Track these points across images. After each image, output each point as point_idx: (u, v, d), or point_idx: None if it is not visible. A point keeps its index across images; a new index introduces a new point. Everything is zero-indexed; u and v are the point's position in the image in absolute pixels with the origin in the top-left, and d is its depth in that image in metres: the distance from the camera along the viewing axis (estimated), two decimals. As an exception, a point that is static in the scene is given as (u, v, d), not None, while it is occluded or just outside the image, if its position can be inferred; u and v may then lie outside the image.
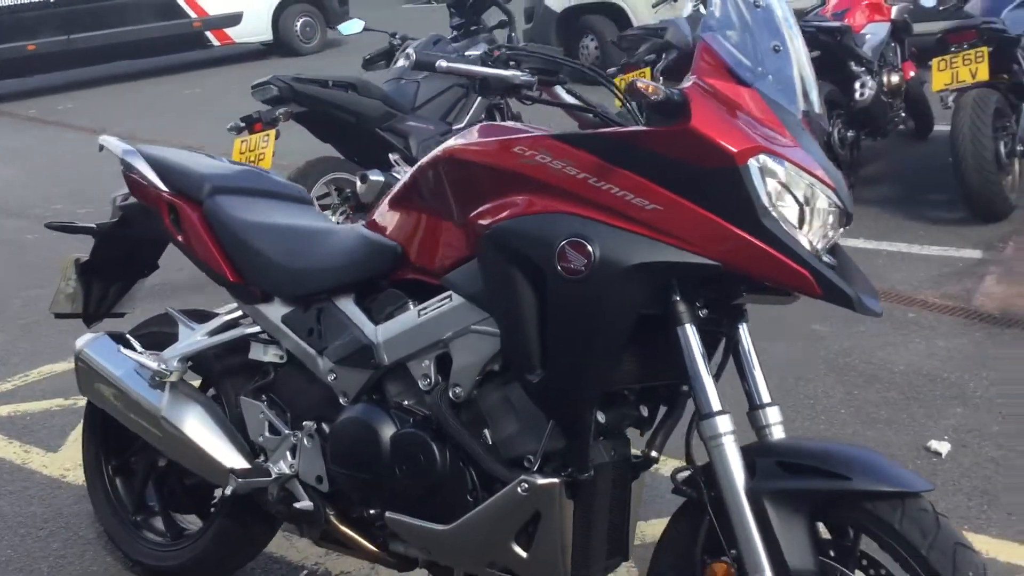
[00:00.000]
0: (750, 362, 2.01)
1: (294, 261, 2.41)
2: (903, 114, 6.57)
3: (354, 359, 2.27)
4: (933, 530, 1.77)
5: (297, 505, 2.38)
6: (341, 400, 2.31)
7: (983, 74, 5.27)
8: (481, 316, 2.08)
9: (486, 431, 2.12)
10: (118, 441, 2.91)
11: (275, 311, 2.44)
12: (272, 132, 4.78)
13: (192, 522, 2.84)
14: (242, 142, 4.83)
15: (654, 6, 7.51)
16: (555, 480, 2.02)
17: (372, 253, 2.29)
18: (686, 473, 2.02)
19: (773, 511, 1.84)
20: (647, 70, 6.10)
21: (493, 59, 2.13)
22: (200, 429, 2.50)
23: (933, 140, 6.89)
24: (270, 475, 2.40)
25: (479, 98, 5.61)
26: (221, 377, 2.59)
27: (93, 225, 2.87)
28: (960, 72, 5.29)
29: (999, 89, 5.40)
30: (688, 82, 1.92)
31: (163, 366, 2.54)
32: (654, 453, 2.13)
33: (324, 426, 2.34)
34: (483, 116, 5.67)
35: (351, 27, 5.87)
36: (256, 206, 2.57)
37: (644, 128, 1.92)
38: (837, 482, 1.81)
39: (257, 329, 2.50)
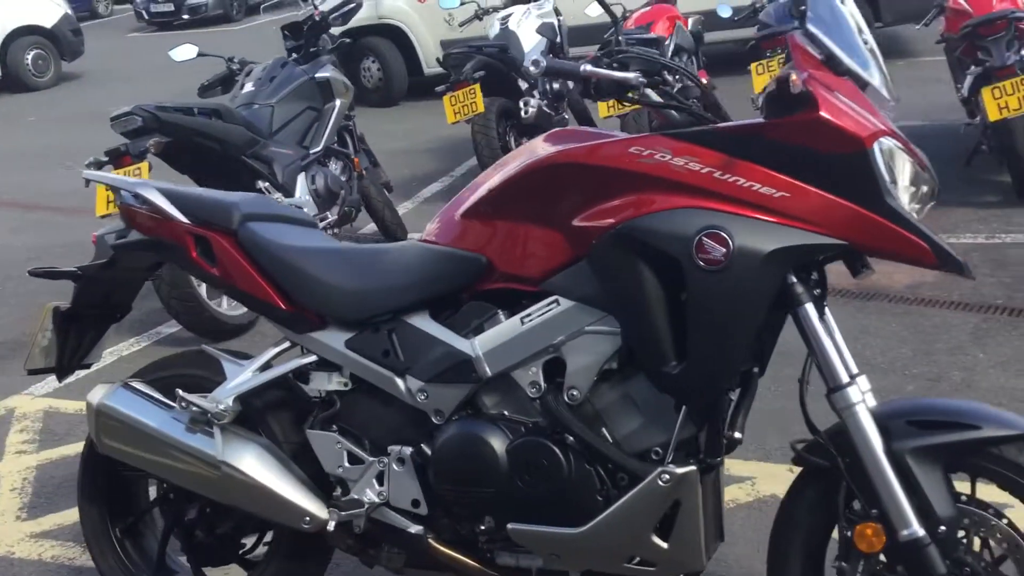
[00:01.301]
0: (821, 342, 2.08)
1: (357, 283, 2.33)
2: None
3: (450, 375, 2.23)
4: (1053, 464, 1.99)
5: (398, 526, 2.29)
6: (435, 419, 2.26)
7: (798, 76, 5.77)
8: (596, 316, 2.12)
9: (603, 430, 2.16)
10: (126, 501, 2.69)
11: (335, 337, 2.35)
12: (144, 165, 4.49)
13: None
14: (107, 178, 4.50)
15: (461, 24, 7.66)
16: (693, 467, 2.08)
17: (452, 267, 2.26)
18: (803, 444, 2.14)
19: (915, 467, 2.00)
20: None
21: (607, 62, 2.17)
22: (266, 470, 2.36)
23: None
24: (362, 506, 2.30)
25: (331, 122, 5.55)
26: (265, 415, 2.45)
27: (76, 269, 2.63)
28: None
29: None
30: (793, 75, 2.04)
31: (219, 408, 2.37)
32: (737, 435, 2.23)
33: (423, 447, 2.27)
34: (335, 140, 5.61)
35: (184, 53, 5.59)
36: (289, 232, 2.47)
37: (770, 120, 2.02)
38: (970, 432, 2.00)
39: (313, 359, 2.39)
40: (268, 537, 2.60)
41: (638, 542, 2.12)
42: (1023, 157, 5.30)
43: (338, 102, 5.61)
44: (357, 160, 5.72)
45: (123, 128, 4.54)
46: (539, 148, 2.25)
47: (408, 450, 2.30)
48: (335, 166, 5.59)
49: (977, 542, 2.05)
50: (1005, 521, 2.05)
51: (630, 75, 2.15)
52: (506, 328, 2.20)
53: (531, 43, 7.15)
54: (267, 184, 4.95)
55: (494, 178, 2.26)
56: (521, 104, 6.82)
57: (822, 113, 1.96)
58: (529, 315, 2.17)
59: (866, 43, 2.10)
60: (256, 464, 2.36)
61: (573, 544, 2.16)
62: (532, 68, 2.16)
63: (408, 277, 2.30)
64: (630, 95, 2.20)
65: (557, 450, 2.15)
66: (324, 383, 2.39)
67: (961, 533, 2.03)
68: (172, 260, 2.50)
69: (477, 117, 6.46)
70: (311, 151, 5.36)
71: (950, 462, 2.03)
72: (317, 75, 5.49)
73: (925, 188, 2.06)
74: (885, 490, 2.01)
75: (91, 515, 2.69)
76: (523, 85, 6.80)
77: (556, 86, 7.22)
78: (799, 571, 2.16)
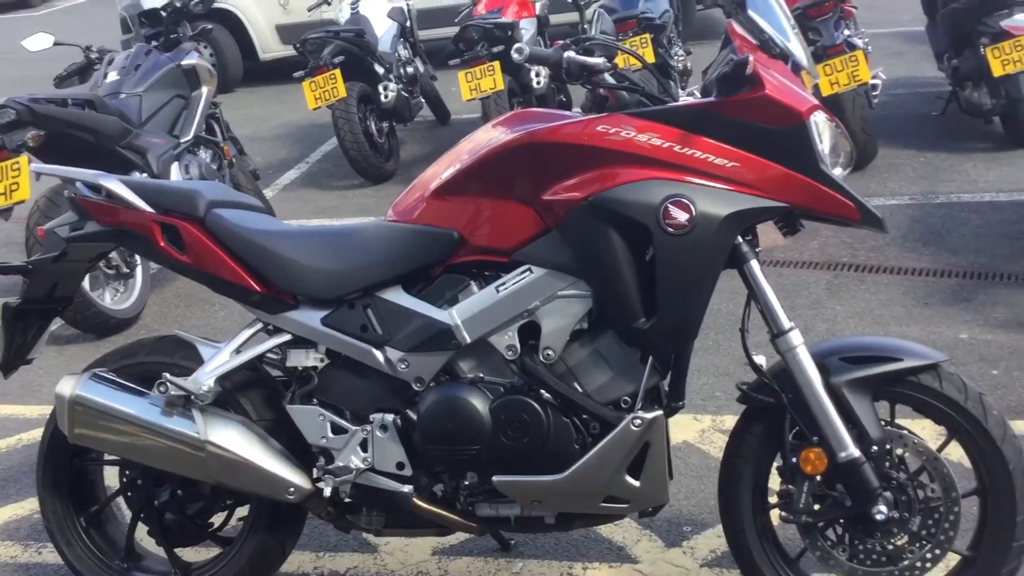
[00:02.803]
0: (765, 293, 2.37)
1: (330, 263, 2.44)
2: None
3: (430, 344, 2.39)
4: (962, 387, 2.34)
5: (384, 489, 2.43)
6: (415, 386, 2.41)
7: (649, 56, 6.12)
8: (567, 282, 2.32)
9: (575, 384, 2.37)
10: (87, 491, 2.71)
11: (310, 316, 2.46)
12: (23, 159, 4.37)
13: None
14: (-18, 173, 4.36)
15: (309, 9, 7.67)
16: (660, 412, 2.33)
17: (425, 243, 2.41)
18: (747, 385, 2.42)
19: (850, 397, 2.31)
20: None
21: (576, 49, 2.35)
22: (249, 446, 2.45)
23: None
24: (350, 472, 2.43)
25: (199, 110, 5.51)
26: (242, 394, 2.53)
27: (26, 263, 2.62)
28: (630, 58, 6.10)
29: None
30: (730, 61, 2.30)
31: (203, 389, 2.44)
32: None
33: (407, 412, 2.42)
34: (204, 128, 5.58)
35: (39, 42, 5.42)
36: (252, 217, 2.55)
37: (720, 99, 2.27)
38: (894, 364, 2.32)
39: (287, 338, 2.49)
40: (239, 513, 2.68)
41: (613, 482, 2.35)
42: (855, 132, 5.81)
43: (204, 89, 5.58)
44: (227, 147, 5.70)
45: (-6, 121, 4.41)
46: (502, 129, 2.43)
47: (390, 417, 2.44)
48: (205, 154, 5.56)
49: (897, 459, 2.38)
50: (917, 439, 2.39)
51: (599, 60, 2.37)
52: (482, 297, 2.37)
53: (383, 27, 7.26)
54: (144, 175, 4.89)
55: (461, 159, 2.42)
56: (381, 88, 6.99)
57: (767, 92, 2.22)
58: (504, 284, 2.36)
59: (793, 27, 2.39)
60: (240, 441, 2.45)
61: (554, 490, 2.37)
62: (516, 55, 2.33)
63: (380, 255, 2.44)
64: (595, 79, 2.41)
65: (536, 405, 2.35)
66: (301, 360, 2.49)
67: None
68: (135, 249, 2.55)
69: (338, 102, 6.51)
70: (181, 140, 5.32)
71: (876, 391, 2.35)
72: (183, 62, 5.44)
73: (845, 154, 2.37)
74: (825, 419, 2.30)
75: (54, 507, 2.69)
76: (379, 70, 6.90)
77: (410, 70, 7.36)
78: (748, 496, 2.44)
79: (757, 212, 2.26)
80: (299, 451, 2.52)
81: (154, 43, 5.59)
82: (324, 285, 2.45)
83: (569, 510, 2.44)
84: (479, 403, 2.37)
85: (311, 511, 2.56)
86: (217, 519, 2.71)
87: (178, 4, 5.61)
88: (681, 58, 7.00)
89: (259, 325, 2.53)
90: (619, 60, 2.66)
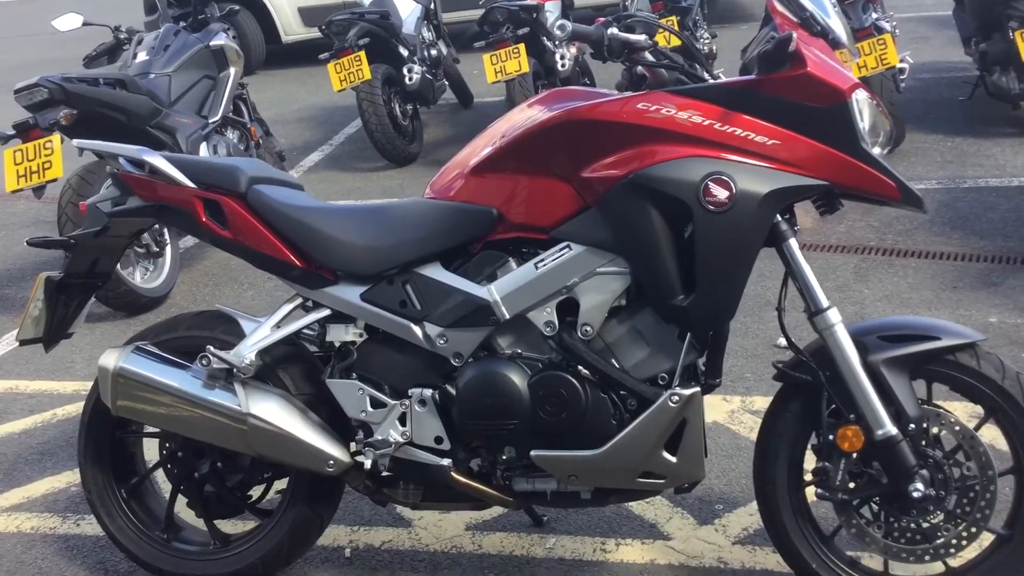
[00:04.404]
0: (804, 272, 2.36)
1: (371, 239, 2.47)
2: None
3: (469, 320, 2.40)
4: (1000, 367, 2.35)
5: (422, 462, 2.45)
6: (454, 362, 2.44)
7: (675, 39, 6.10)
8: (606, 259, 2.34)
9: (612, 360, 2.39)
10: (129, 463, 2.75)
11: (349, 291, 2.49)
12: (56, 137, 4.41)
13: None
14: (16, 152, 4.39)
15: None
16: (698, 388, 2.34)
17: (464, 220, 2.43)
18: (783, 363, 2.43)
19: (888, 375, 2.31)
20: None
21: (618, 26, 2.36)
22: (291, 419, 2.48)
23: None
24: (389, 446, 2.46)
25: (227, 90, 5.54)
26: (281, 368, 2.56)
27: (69, 238, 2.66)
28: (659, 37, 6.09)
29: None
30: (771, 38, 2.30)
31: (245, 363, 2.47)
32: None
33: (446, 387, 2.44)
34: (231, 109, 5.60)
35: (68, 22, 5.45)
36: (291, 194, 2.58)
37: (762, 76, 2.27)
38: (932, 343, 2.33)
39: (326, 313, 2.52)
40: (277, 486, 2.72)
41: (651, 458, 2.36)
42: None
43: (232, 70, 5.61)
44: (254, 129, 5.73)
45: (28, 100, 4.45)
46: (540, 108, 2.44)
47: (428, 392, 2.46)
48: (232, 135, 5.59)
49: (934, 438, 2.38)
50: (954, 418, 2.40)
51: (641, 37, 2.38)
52: (521, 273, 2.39)
53: (407, 10, 7.26)
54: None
55: (500, 137, 2.44)
56: (406, 71, 7.00)
57: (809, 69, 2.22)
58: (543, 260, 2.37)
59: (833, 4, 2.39)
60: (281, 414, 2.48)
61: (592, 464, 2.39)
62: (559, 32, 2.34)
63: (420, 231, 2.46)
64: (635, 57, 2.42)
65: (574, 381, 2.37)
66: (340, 335, 2.52)
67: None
68: (176, 224, 2.57)
69: (363, 84, 6.52)
70: (210, 120, 5.35)
71: (914, 370, 2.36)
72: (212, 43, 5.46)
73: (884, 133, 2.37)
74: (862, 397, 2.31)
75: (95, 478, 2.73)
76: (403, 52, 6.91)
77: (434, 53, 7.37)
78: (784, 474, 2.46)
79: (797, 190, 2.26)
80: (337, 425, 2.55)
81: (182, 24, 5.62)
82: (364, 261, 2.47)
83: (606, 485, 2.46)
84: (518, 378, 2.39)
85: (348, 484, 2.59)
86: (255, 492, 2.74)
87: (207, -16, 5.63)
88: (707, 41, 6.99)
89: (298, 300, 2.56)
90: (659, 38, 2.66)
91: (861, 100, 2.27)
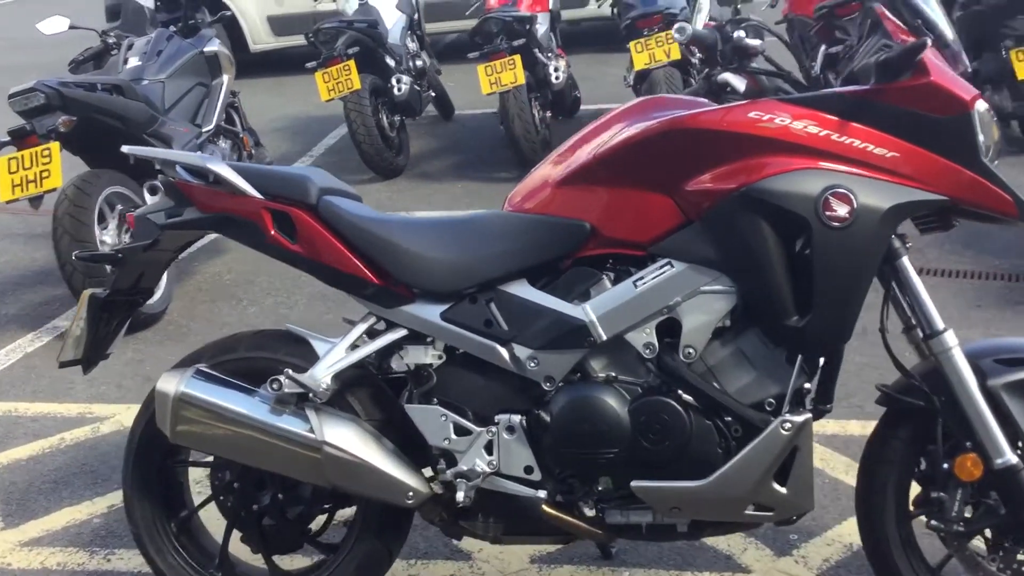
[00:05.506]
0: (918, 292, 2.24)
1: (452, 254, 2.31)
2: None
3: (562, 341, 2.25)
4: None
5: (511, 493, 2.29)
6: (545, 386, 2.28)
7: (675, 53, 6.02)
8: (711, 277, 2.20)
9: (716, 384, 2.25)
10: (177, 495, 2.55)
11: (429, 310, 2.32)
12: (55, 145, 4.16)
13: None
14: (11, 160, 4.13)
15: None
16: (809, 415, 2.21)
17: (553, 234, 2.28)
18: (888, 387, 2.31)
19: (1008, 400, 2.21)
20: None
21: (734, 31, 2.24)
22: (368, 448, 2.29)
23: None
24: (477, 476, 2.29)
25: (220, 98, 5.34)
26: (355, 392, 2.38)
27: (117, 252, 2.46)
28: (656, 53, 6.00)
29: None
30: (886, 46, 2.20)
31: (321, 387, 2.29)
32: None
33: (537, 413, 2.28)
34: (224, 118, 5.40)
35: (54, 25, 5.19)
36: (360, 206, 2.41)
37: (883, 85, 2.16)
38: None
39: (403, 333, 2.34)
40: (337, 517, 2.53)
41: (760, 488, 2.22)
42: None
43: (225, 77, 5.41)
44: (246, 138, 5.52)
45: (23, 106, 4.21)
46: (631, 117, 2.30)
47: (517, 418, 2.30)
48: (225, 145, 5.38)
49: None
50: None
51: (756, 42, 2.25)
52: (619, 292, 2.24)
53: (392, 19, 7.10)
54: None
55: (589, 147, 2.30)
56: (394, 81, 6.83)
57: (933, 78, 2.12)
58: (642, 278, 2.23)
59: (939, 5, 2.29)
60: (357, 442, 2.29)
61: (699, 496, 2.24)
62: (677, 35, 2.21)
63: (505, 246, 2.30)
64: (747, 65, 2.30)
65: (678, 407, 2.22)
66: (418, 357, 2.35)
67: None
68: (237, 238, 2.38)
69: (351, 95, 6.34)
70: (203, 129, 5.13)
71: (1036, 394, 2.26)
72: (206, 49, 5.25)
73: (995, 145, 2.27)
74: (981, 424, 2.20)
75: (143, 511, 2.51)
76: (391, 62, 6.74)
77: (419, 64, 7.21)
78: (893, 503, 2.34)
79: (918, 205, 2.16)
80: (416, 453, 2.38)
81: (173, 28, 5.40)
82: (445, 277, 2.31)
83: (711, 518, 2.31)
84: (617, 404, 2.25)
85: (422, 516, 2.42)
86: (314, 524, 2.55)
87: (195, -11, 5.42)
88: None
89: (372, 320, 2.38)
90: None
91: (982, 111, 2.17)
